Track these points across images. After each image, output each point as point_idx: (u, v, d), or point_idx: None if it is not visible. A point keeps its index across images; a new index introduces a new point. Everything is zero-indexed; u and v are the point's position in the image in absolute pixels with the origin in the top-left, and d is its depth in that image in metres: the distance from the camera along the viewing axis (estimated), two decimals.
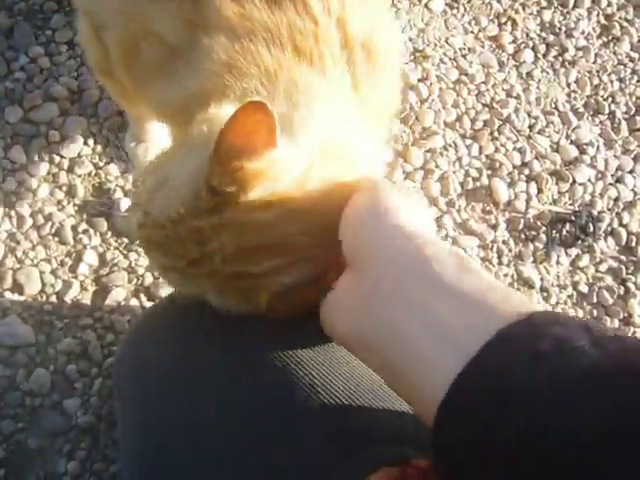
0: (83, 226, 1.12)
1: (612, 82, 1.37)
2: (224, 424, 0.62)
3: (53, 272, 1.10)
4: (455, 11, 1.37)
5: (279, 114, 0.52)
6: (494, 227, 1.23)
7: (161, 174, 0.60)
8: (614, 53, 1.39)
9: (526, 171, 1.27)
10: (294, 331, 0.67)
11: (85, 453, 1.03)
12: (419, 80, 1.29)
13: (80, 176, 1.14)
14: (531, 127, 1.31)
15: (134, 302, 1.10)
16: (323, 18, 0.67)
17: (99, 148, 1.15)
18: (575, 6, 1.41)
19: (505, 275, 1.21)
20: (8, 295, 1.08)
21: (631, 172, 1.31)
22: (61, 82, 1.17)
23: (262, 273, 0.56)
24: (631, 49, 1.40)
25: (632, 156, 1.32)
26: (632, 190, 1.30)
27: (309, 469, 0.57)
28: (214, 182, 0.53)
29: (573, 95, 1.35)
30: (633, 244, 1.27)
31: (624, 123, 1.34)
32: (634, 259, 1.26)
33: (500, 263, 1.22)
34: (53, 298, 1.09)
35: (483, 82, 1.32)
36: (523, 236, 1.24)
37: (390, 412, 0.61)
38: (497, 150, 1.28)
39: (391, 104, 0.78)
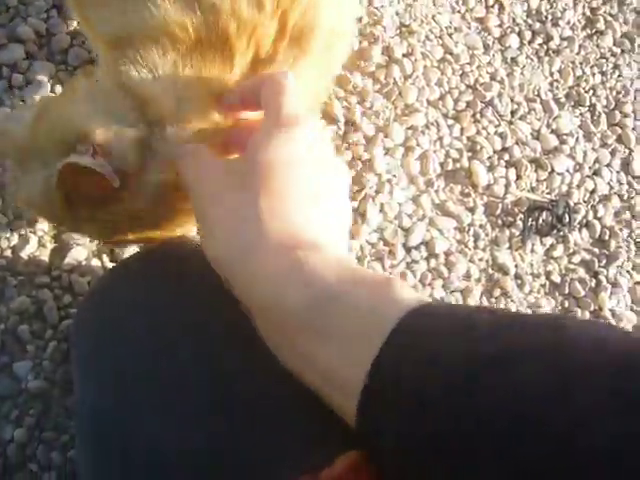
0: None
1: (594, 75, 1.36)
2: (186, 381, 0.59)
3: (9, 224, 1.02)
4: None
5: None
6: (472, 210, 1.20)
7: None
8: (597, 46, 1.38)
9: (506, 156, 1.25)
10: None
11: (34, 420, 0.96)
12: (404, 55, 1.25)
13: None
14: (513, 113, 1.28)
15: (95, 262, 1.04)
16: None
17: None
18: None
19: (480, 259, 1.19)
20: None
21: (608, 166, 1.31)
22: (29, 23, 1.08)
23: None
24: (614, 44, 1.40)
25: (610, 150, 1.31)
26: (608, 184, 1.30)
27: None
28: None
29: (555, 84, 1.33)
30: (606, 237, 1.26)
31: (604, 116, 1.33)
32: (606, 252, 1.25)
33: (476, 247, 1.19)
34: (8, 253, 1.01)
35: (468, 63, 1.29)
36: (500, 221, 1.22)
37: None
38: (478, 133, 1.25)
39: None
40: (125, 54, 0.61)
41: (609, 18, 1.41)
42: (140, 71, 0.60)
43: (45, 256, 1.02)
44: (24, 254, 1.01)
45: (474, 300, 1.17)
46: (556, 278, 1.21)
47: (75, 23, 1.10)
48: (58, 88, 1.07)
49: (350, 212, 0.62)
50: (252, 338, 0.58)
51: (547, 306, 1.19)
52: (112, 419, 0.63)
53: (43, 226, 1.02)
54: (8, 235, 1.01)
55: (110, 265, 1.04)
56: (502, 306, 1.17)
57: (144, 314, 0.65)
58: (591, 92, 1.35)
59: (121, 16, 0.63)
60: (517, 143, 1.26)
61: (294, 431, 0.54)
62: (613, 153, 1.31)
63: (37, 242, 1.02)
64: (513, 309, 1.18)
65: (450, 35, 1.30)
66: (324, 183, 0.58)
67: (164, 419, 0.59)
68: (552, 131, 1.30)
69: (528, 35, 1.35)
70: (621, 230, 1.27)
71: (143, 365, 0.63)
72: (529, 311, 1.18)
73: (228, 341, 0.61)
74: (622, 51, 1.39)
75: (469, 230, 1.19)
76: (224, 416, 0.56)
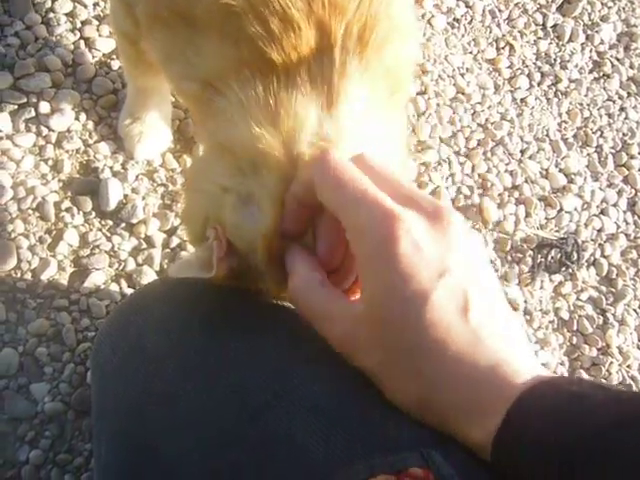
0: (66, 204, 1.06)
1: (601, 116, 1.39)
2: (216, 412, 0.59)
3: (31, 248, 1.03)
4: (456, 30, 1.38)
5: None
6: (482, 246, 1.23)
7: None
8: (604, 89, 1.42)
9: (516, 194, 1.27)
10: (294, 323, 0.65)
11: (49, 442, 0.97)
12: (418, 93, 1.29)
13: (68, 152, 1.08)
14: (523, 151, 1.31)
15: (114, 287, 1.05)
16: None
17: (90, 125, 1.10)
18: (570, 40, 1.44)
19: None
20: None
21: (615, 205, 1.33)
22: (56, 53, 1.11)
23: None
24: (620, 87, 1.43)
25: (617, 190, 1.34)
26: (615, 223, 1.32)
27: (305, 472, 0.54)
28: None
29: (564, 125, 1.37)
30: (614, 276, 1.28)
31: (610, 157, 1.36)
32: (613, 290, 1.27)
33: None
34: (28, 276, 1.03)
35: (479, 102, 1.32)
36: (510, 257, 1.24)
37: (385, 416, 0.58)
38: (489, 170, 1.28)
39: None
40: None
41: (615, 62, 1.44)
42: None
43: (64, 279, 1.04)
44: (44, 277, 1.03)
45: None
46: (565, 315, 1.23)
47: (101, 54, 1.14)
48: (82, 116, 1.10)
49: None
50: (275, 362, 0.59)
51: (555, 342, 1.21)
52: (133, 443, 0.63)
53: (63, 250, 1.04)
54: (29, 258, 1.03)
55: (128, 291, 1.05)
56: None
57: (165, 336, 0.66)
58: (598, 133, 1.38)
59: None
60: (527, 181, 1.29)
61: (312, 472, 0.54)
62: (620, 193, 1.34)
63: (57, 265, 1.04)
64: None
65: (462, 75, 1.34)
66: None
67: (186, 441, 0.60)
68: (560, 170, 1.32)
69: (537, 77, 1.39)
70: (628, 269, 1.29)
71: (165, 387, 0.63)
72: (538, 347, 1.19)
73: (251, 365, 0.61)
74: (628, 94, 1.43)
75: None
76: (244, 448, 0.57)
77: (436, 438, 0.53)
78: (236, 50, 0.59)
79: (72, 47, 1.13)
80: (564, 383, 0.46)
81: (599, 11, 1.47)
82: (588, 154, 1.36)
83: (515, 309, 1.20)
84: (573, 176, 1.32)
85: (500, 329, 0.47)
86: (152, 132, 1.08)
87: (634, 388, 1.19)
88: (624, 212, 1.33)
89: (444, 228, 0.48)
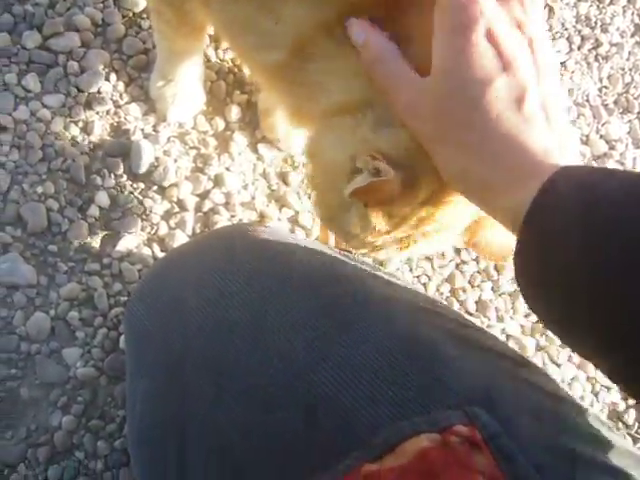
0: (97, 165, 1.04)
1: None
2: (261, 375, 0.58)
3: (60, 210, 1.01)
4: None
5: None
6: None
7: None
8: None
9: None
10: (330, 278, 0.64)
11: (82, 408, 0.95)
12: None
13: (98, 113, 1.05)
14: None
15: (146, 251, 1.03)
16: None
17: (121, 86, 1.07)
18: (611, 2, 1.38)
19: None
20: (10, 230, 0.99)
21: None
22: (85, 12, 1.08)
23: None
24: None
25: None
26: None
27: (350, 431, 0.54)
28: None
29: (604, 90, 1.32)
30: None
31: None
32: None
33: None
34: (59, 239, 1.00)
35: None
36: None
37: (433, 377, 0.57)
38: None
39: None
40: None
41: None
42: None
43: (96, 243, 1.01)
44: (75, 240, 1.00)
45: (521, 304, 1.15)
46: None
47: (131, 13, 1.10)
48: (112, 77, 1.07)
49: None
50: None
51: None
52: (168, 401, 0.62)
53: (94, 212, 1.01)
54: (59, 221, 1.00)
55: (161, 255, 1.03)
56: None
57: (206, 296, 0.64)
58: None
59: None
60: None
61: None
62: None
63: (88, 229, 1.01)
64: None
65: None
66: None
67: (224, 400, 0.58)
68: (601, 137, 1.28)
69: (577, 40, 1.34)
70: None
71: (207, 344, 0.61)
72: None
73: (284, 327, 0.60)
74: None
75: None
76: (290, 410, 0.56)
77: (482, 395, 0.54)
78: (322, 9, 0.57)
79: (101, 6, 1.09)
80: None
81: None
82: (629, 120, 1.32)
83: None
84: (614, 143, 1.28)
85: (551, 128, 0.51)
86: (186, 94, 1.04)
87: None
88: None
89: (523, 27, 0.52)
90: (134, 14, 1.11)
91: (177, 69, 1.01)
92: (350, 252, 0.76)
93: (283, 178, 1.10)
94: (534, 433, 0.52)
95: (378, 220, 0.58)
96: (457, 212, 0.60)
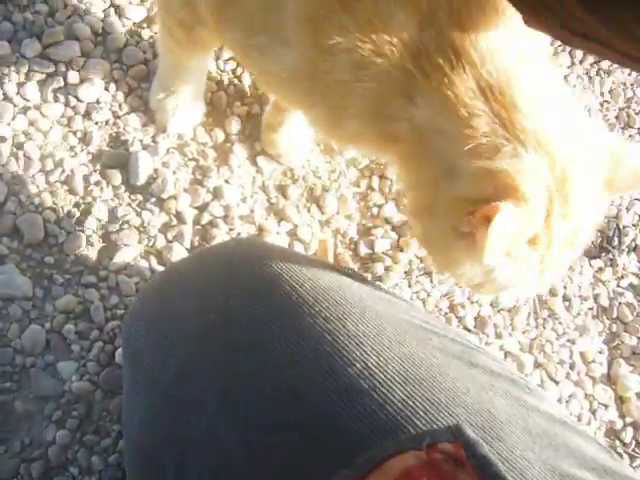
0: (95, 177, 1.03)
1: None
2: (261, 393, 0.58)
3: (58, 222, 1.00)
4: None
5: None
6: None
7: None
8: None
9: None
10: (343, 299, 0.63)
11: (76, 422, 0.94)
12: None
13: (97, 123, 1.05)
14: None
15: (143, 264, 1.02)
16: None
17: (120, 96, 1.06)
18: None
19: None
20: (6, 241, 0.98)
21: None
22: (86, 21, 1.07)
23: None
24: None
25: None
26: None
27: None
28: None
29: (606, 105, 1.32)
30: None
31: None
32: None
33: None
34: (56, 250, 1.00)
35: None
36: None
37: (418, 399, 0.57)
38: None
39: None
40: None
41: None
42: None
43: (93, 255, 1.01)
44: (72, 252, 1.00)
45: (522, 320, 1.15)
46: (604, 301, 1.19)
47: (131, 23, 1.10)
48: (112, 87, 1.06)
49: None
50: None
51: (594, 329, 1.17)
52: (166, 420, 0.61)
53: (92, 225, 1.01)
54: (57, 232, 0.99)
55: (158, 268, 1.02)
56: (550, 328, 1.15)
57: (198, 315, 0.63)
58: None
59: None
60: None
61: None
62: None
63: (85, 241, 1.00)
64: (560, 331, 1.15)
65: None
66: None
67: (225, 419, 0.58)
68: None
69: (579, 54, 1.34)
70: None
71: (202, 367, 0.61)
72: (577, 334, 1.16)
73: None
74: None
75: None
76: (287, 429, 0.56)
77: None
78: None
79: (102, 15, 1.09)
80: None
81: None
82: (630, 135, 1.31)
83: (554, 295, 1.16)
84: None
85: None
86: (187, 106, 1.03)
87: None
88: None
89: None
90: (135, 24, 1.10)
91: (180, 81, 1.00)
92: (350, 269, 0.75)
93: (282, 191, 1.09)
94: (528, 455, 0.52)
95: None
96: None
